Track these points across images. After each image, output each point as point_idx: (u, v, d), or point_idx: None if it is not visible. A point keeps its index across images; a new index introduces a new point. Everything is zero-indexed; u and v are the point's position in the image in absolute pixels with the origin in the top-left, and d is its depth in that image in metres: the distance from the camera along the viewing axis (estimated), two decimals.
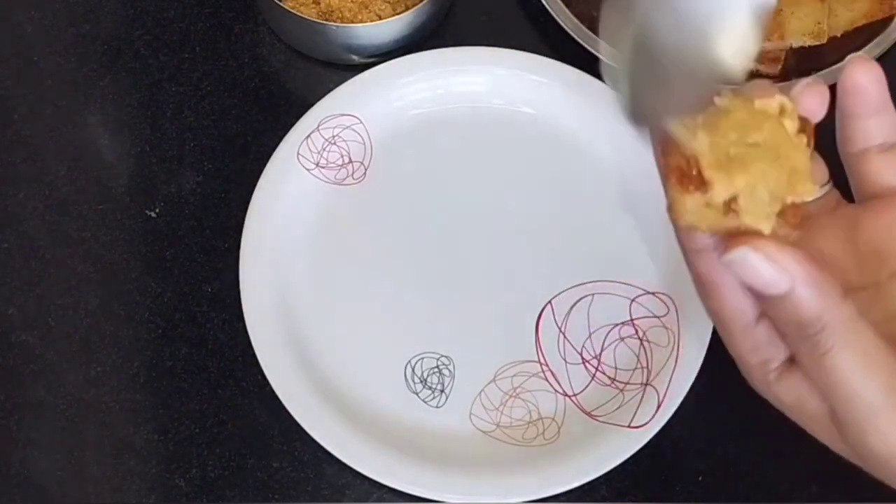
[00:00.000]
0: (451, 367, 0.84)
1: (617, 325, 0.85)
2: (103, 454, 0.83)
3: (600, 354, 0.84)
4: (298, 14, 0.91)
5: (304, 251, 0.88)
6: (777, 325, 0.58)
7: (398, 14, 0.91)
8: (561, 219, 0.89)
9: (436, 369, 0.84)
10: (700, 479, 0.82)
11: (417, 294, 0.87)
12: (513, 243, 0.88)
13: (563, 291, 0.86)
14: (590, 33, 0.92)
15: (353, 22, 0.92)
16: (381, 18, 0.92)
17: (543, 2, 0.93)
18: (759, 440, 0.84)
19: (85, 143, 0.94)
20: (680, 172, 0.56)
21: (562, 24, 0.92)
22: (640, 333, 0.85)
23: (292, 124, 0.90)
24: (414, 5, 0.92)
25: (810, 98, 0.59)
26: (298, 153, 0.89)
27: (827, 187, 0.64)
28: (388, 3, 0.94)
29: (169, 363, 0.85)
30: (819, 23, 0.94)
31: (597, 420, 0.82)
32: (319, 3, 0.93)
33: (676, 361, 0.82)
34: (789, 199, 0.56)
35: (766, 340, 0.60)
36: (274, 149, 0.89)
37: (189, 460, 0.82)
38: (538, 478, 0.79)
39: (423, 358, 0.84)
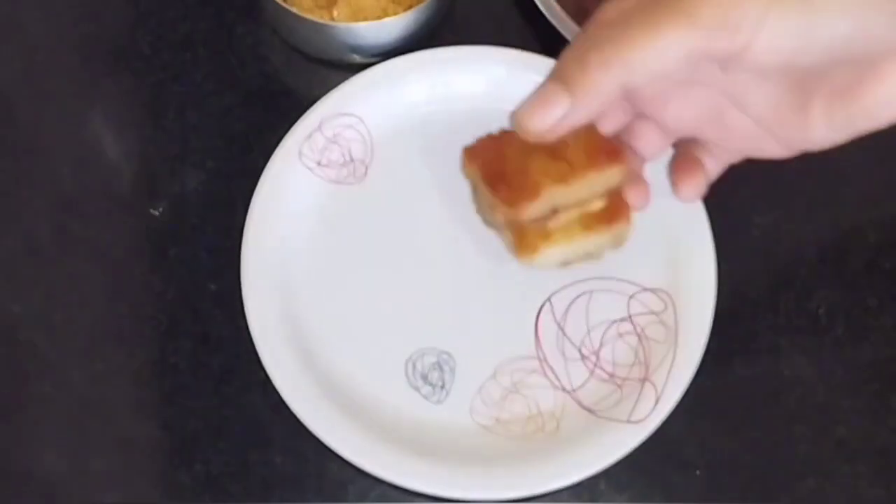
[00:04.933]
0: (451, 363, 0.84)
1: (615, 321, 0.86)
2: (107, 450, 0.83)
3: (599, 350, 0.85)
4: (300, 14, 0.91)
5: (306, 249, 0.88)
6: None
7: (399, 14, 0.92)
8: None
9: (436, 365, 0.84)
10: (697, 473, 0.83)
11: (418, 291, 0.87)
12: None
13: (562, 288, 0.86)
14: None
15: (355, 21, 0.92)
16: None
17: (536, 1, 0.93)
18: (756, 435, 0.84)
19: (89, 143, 0.94)
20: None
21: (553, 23, 0.92)
22: (639, 329, 0.85)
23: (294, 123, 0.90)
24: (415, 4, 0.93)
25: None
26: (300, 152, 0.89)
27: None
28: (400, 4, 0.94)
29: (172, 360, 0.86)
30: None
31: (596, 415, 0.82)
32: (332, 10, 0.93)
33: (674, 357, 0.82)
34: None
35: None
36: (276, 148, 0.89)
37: (193, 456, 0.83)
38: (538, 472, 0.80)
39: (423, 354, 0.85)
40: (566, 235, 0.80)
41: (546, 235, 0.80)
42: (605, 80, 0.64)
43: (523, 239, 0.80)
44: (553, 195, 0.76)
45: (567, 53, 0.67)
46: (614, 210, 0.81)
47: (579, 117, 0.68)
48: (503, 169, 0.77)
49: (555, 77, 0.67)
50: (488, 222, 0.84)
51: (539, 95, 0.67)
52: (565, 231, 0.80)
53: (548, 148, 0.75)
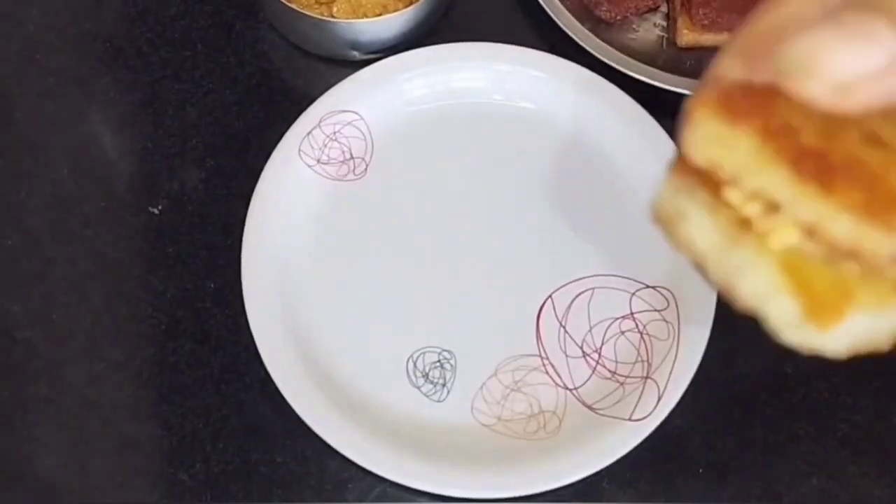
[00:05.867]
0: (452, 362, 0.84)
1: (617, 318, 0.86)
2: (107, 451, 0.83)
3: (601, 348, 0.85)
4: (300, 10, 0.91)
5: (306, 247, 0.88)
6: None
7: (399, 10, 0.92)
8: (561, 213, 0.89)
9: (437, 364, 0.84)
10: (700, 471, 0.83)
11: (419, 289, 0.87)
12: (513, 238, 0.89)
13: (563, 286, 0.87)
14: (583, 28, 0.92)
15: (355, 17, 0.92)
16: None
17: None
18: (758, 433, 0.84)
19: (87, 141, 0.94)
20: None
21: (556, 20, 0.92)
22: (641, 327, 0.85)
23: (293, 121, 0.90)
24: (415, 1, 0.92)
25: None
26: (300, 149, 0.89)
27: None
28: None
29: (172, 359, 0.86)
30: None
31: (597, 413, 0.82)
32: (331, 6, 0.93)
33: (676, 355, 0.82)
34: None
35: None
36: (275, 145, 0.89)
37: (193, 456, 0.83)
38: (539, 471, 0.80)
39: (424, 352, 0.85)
40: (876, 295, 0.44)
41: (846, 292, 0.44)
42: None
43: (817, 297, 0.44)
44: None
45: None
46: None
47: None
48: (816, 148, 0.43)
49: (864, 4, 0.43)
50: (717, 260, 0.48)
51: (846, 26, 0.42)
52: (874, 288, 0.44)
53: (856, 124, 0.44)
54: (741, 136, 0.42)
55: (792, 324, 0.45)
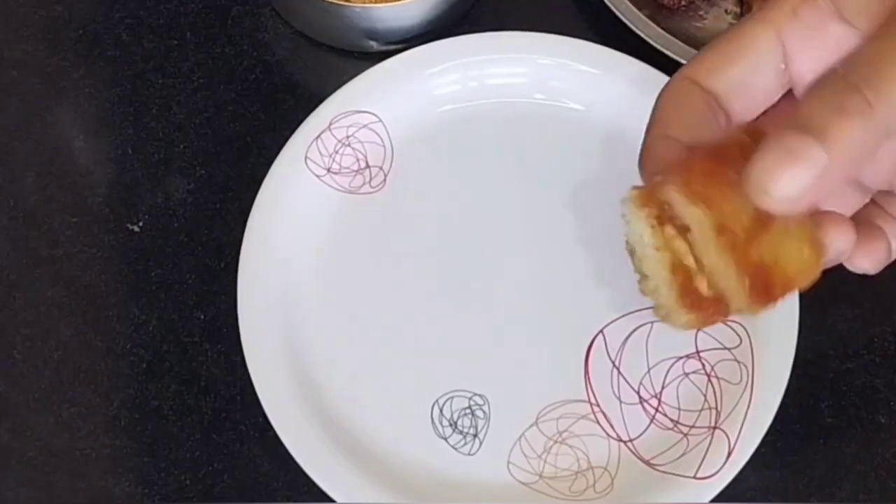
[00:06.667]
0: (485, 408, 0.85)
1: (680, 358, 0.86)
2: None
3: (661, 393, 0.85)
4: None
5: (314, 272, 0.88)
6: None
7: None
8: (615, 233, 0.87)
9: (468, 410, 0.85)
10: None
11: (446, 322, 0.87)
12: (558, 263, 0.89)
13: (616, 319, 0.87)
14: (641, 15, 0.93)
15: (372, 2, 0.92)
16: None
17: None
18: (846, 492, 0.84)
19: (56, 145, 0.94)
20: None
21: (609, 4, 0.93)
22: (708, 368, 0.85)
23: (300, 123, 0.90)
24: None
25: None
26: (307, 157, 0.89)
27: None
28: None
29: (154, 403, 0.86)
30: None
31: (657, 469, 0.82)
32: None
33: (750, 401, 0.82)
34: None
35: None
36: (278, 152, 0.89)
37: None
38: None
39: (452, 397, 0.85)
40: (662, 244, 0.71)
41: (662, 218, 0.70)
42: (869, 128, 0.61)
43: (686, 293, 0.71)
44: (698, 226, 0.67)
45: (811, 101, 0.63)
46: (704, 307, 0.71)
47: (835, 179, 0.62)
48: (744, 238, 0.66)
49: (796, 128, 0.61)
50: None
51: (780, 150, 0.61)
52: (667, 242, 0.70)
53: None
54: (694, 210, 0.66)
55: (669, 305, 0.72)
